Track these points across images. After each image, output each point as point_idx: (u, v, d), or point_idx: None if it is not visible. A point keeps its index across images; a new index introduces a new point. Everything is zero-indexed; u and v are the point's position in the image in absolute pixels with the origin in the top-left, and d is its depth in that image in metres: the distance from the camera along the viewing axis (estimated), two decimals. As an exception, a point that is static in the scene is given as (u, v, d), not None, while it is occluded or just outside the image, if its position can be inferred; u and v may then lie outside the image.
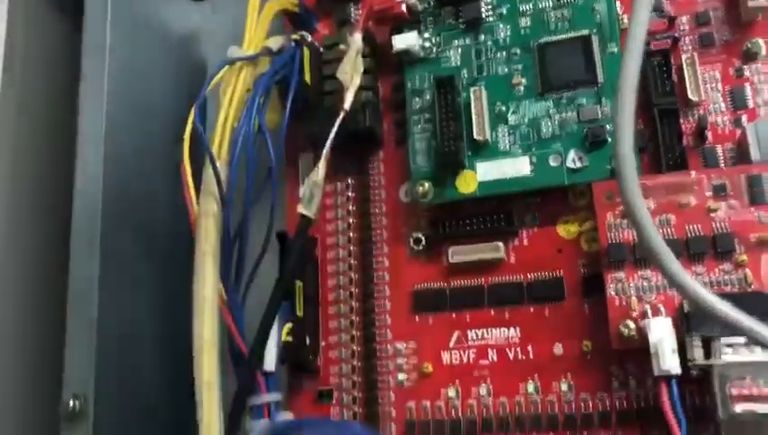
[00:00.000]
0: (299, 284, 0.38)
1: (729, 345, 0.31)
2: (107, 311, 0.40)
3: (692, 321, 0.32)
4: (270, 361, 0.36)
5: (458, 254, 0.39)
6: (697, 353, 0.32)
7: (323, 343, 0.40)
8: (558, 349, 0.37)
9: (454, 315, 0.39)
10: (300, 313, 0.39)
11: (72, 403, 0.38)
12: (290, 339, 0.38)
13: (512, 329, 0.38)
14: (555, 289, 0.38)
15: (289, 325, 0.37)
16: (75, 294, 0.41)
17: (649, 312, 0.34)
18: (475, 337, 0.38)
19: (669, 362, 0.32)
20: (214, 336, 0.35)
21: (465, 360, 0.38)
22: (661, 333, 0.33)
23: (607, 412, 0.35)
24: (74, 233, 0.42)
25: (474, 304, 0.39)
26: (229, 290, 0.36)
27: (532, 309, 0.38)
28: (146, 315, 0.44)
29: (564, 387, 0.36)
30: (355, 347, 0.40)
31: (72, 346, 0.40)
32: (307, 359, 0.39)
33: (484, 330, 0.38)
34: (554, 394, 0.36)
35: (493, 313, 0.38)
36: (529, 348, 0.37)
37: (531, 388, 0.37)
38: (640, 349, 0.34)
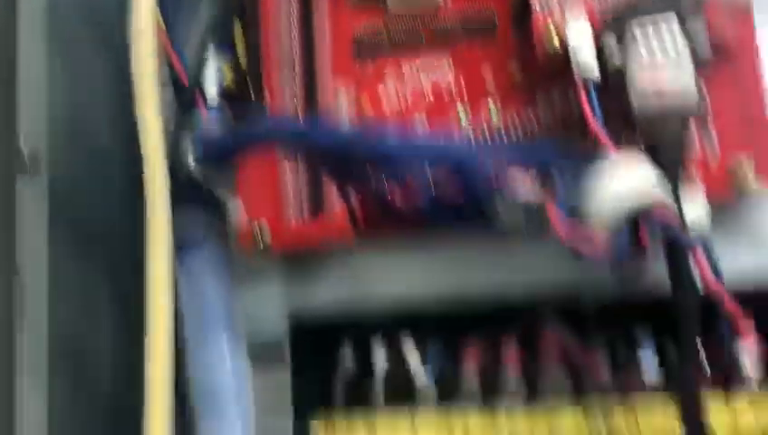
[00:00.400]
0: (238, 25, 0.39)
1: (642, 43, 0.33)
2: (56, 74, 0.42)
3: (608, 24, 0.34)
4: (211, 93, 0.37)
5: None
6: (615, 52, 0.33)
7: (267, 96, 0.42)
8: (489, 78, 0.38)
9: (392, 59, 0.40)
10: (242, 60, 0.40)
11: (26, 153, 0.40)
12: (232, 86, 0.39)
13: (446, 65, 0.39)
14: (488, 24, 0.39)
15: (229, 66, 0.38)
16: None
17: (571, 22, 0.35)
18: (412, 76, 0.40)
19: (588, 64, 0.34)
20: (152, 66, 0.36)
21: (402, 99, 0.40)
22: (580, 38, 0.34)
23: (533, 127, 0.37)
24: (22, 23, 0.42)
25: (412, 47, 0.40)
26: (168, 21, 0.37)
27: (465, 45, 0.39)
28: (100, 86, 0.46)
29: (493, 112, 0.38)
30: (297, 99, 0.41)
31: (24, 105, 0.41)
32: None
33: (421, 70, 0.40)
34: (484, 118, 0.38)
35: (430, 53, 0.39)
36: (462, 82, 0.39)
37: (462, 115, 0.38)
38: (564, 68, 0.35)
